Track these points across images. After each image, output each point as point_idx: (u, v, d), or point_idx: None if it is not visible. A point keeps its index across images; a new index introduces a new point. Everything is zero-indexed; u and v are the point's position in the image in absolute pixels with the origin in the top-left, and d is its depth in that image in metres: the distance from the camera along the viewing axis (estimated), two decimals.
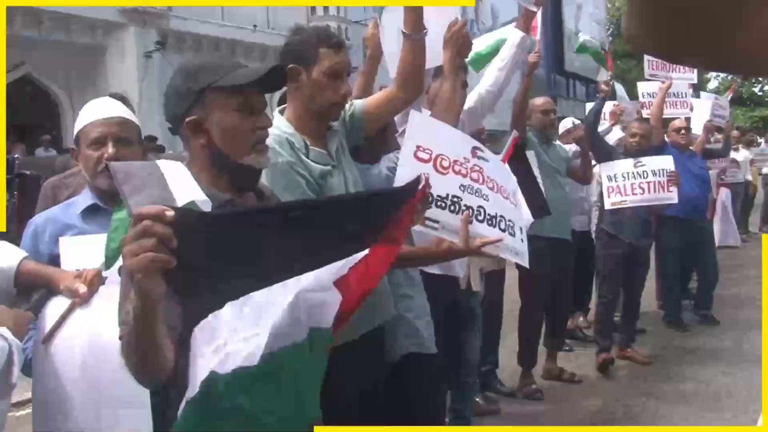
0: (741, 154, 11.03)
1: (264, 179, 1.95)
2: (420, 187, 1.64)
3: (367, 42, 2.97)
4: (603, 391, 4.82)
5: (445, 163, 2.20)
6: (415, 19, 2.34)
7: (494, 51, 5.15)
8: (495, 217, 2.25)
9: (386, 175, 2.37)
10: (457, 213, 2.17)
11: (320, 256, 1.41)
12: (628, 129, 5.50)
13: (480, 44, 4.39)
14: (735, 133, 9.89)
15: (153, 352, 1.26)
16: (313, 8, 18.31)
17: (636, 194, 5.20)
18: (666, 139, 6.31)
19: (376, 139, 2.54)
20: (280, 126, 2.15)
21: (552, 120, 4.92)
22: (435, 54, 2.59)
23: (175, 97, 1.61)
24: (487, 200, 2.25)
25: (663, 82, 6.39)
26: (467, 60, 3.03)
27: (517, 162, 3.77)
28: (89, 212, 2.15)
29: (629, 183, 5.18)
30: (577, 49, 6.87)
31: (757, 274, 8.72)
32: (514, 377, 4.80)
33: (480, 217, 2.21)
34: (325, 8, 18.28)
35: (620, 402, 4.61)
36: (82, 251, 2.03)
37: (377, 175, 2.42)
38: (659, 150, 6.13)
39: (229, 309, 1.29)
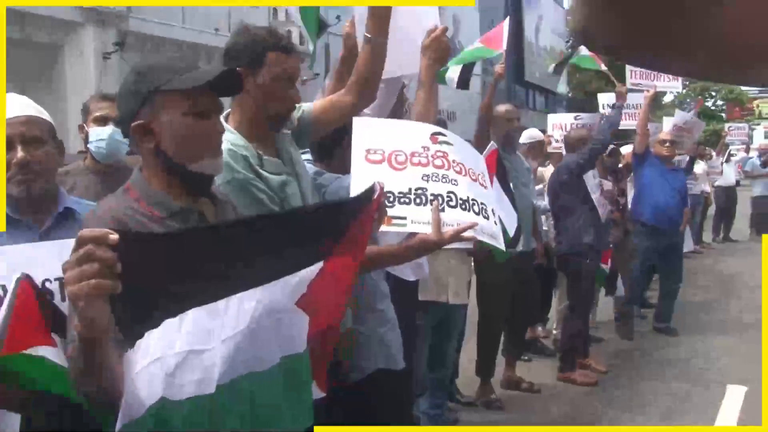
0: (699, 167, 11.29)
1: None
2: (375, 196, 1.60)
3: (343, 41, 2.88)
4: (562, 400, 4.85)
5: (401, 158, 2.11)
6: (381, 22, 2.26)
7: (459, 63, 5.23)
8: (467, 200, 2.14)
9: None
10: (425, 204, 2.07)
11: (267, 270, 1.37)
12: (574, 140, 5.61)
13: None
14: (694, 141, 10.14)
15: (102, 373, 1.22)
16: (275, 13, 18.17)
17: (604, 206, 5.42)
18: (650, 149, 6.45)
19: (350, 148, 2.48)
20: (230, 138, 1.99)
21: (515, 127, 4.95)
22: (412, 61, 2.52)
23: (124, 99, 1.57)
24: (456, 184, 2.14)
25: (647, 91, 6.51)
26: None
27: (496, 175, 3.74)
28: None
29: (599, 196, 5.38)
30: (577, 60, 6.95)
31: (710, 282, 8.96)
32: (473, 386, 4.80)
33: (452, 203, 2.11)
34: (287, 13, 18.14)
35: (579, 410, 4.65)
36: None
37: (347, 186, 2.34)
38: (642, 159, 6.29)
39: (165, 326, 1.24)
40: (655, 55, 0.64)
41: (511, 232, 3.74)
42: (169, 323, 1.24)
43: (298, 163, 2.22)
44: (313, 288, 1.42)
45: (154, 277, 1.21)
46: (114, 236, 1.11)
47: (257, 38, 2.06)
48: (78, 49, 14.82)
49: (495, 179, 3.60)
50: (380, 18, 2.26)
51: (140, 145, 1.55)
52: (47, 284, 1.75)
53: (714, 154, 12.78)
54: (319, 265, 1.43)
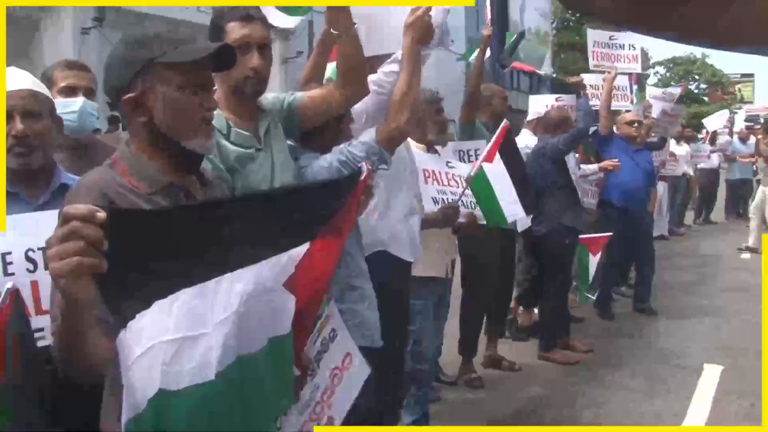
0: (683, 149, 11.37)
1: None
2: (362, 178, 1.60)
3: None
4: (543, 379, 4.89)
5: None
6: (337, 17, 2.30)
7: None
8: None
9: (336, 168, 2.30)
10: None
11: (256, 249, 1.35)
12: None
13: None
14: (677, 128, 10.18)
15: (84, 352, 1.20)
16: None
17: (582, 188, 5.54)
18: (615, 130, 6.44)
19: (332, 127, 2.48)
20: None
21: (507, 107, 5.01)
22: (395, 39, 2.52)
23: (117, 68, 1.51)
24: None
25: (609, 72, 6.42)
26: None
27: (508, 151, 3.77)
28: None
29: (578, 177, 5.42)
30: None
31: (688, 264, 9.05)
32: (455, 364, 4.81)
33: None
34: None
35: (559, 388, 4.69)
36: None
37: (327, 166, 2.33)
38: (607, 140, 6.28)
39: (156, 308, 1.21)
40: (662, 32, 0.64)
41: (509, 219, 3.80)
42: (160, 304, 1.21)
43: (276, 142, 2.24)
44: (298, 271, 1.41)
45: (142, 254, 1.18)
46: (101, 214, 1.07)
47: (220, 13, 2.20)
48: (56, 23, 14.56)
49: (499, 156, 3.64)
50: (336, 13, 2.31)
51: (131, 118, 1.51)
52: (30, 253, 1.75)
53: (699, 135, 12.89)
54: (306, 245, 1.42)
